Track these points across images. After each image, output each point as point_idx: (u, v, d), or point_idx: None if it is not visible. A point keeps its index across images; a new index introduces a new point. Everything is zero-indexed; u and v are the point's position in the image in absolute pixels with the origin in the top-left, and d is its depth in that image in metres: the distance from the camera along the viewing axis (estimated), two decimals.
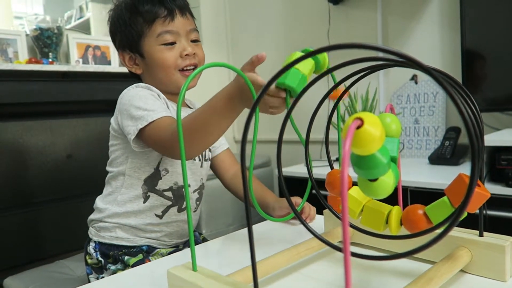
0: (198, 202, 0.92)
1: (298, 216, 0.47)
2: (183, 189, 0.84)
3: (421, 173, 1.35)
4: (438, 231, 0.36)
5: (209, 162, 0.96)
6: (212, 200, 1.72)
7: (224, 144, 1.01)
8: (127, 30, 0.84)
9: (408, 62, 0.29)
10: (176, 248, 0.89)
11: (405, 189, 1.27)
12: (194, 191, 0.90)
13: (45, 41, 1.75)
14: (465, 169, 1.36)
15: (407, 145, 1.67)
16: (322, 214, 0.65)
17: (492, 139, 1.15)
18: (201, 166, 0.91)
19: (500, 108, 1.40)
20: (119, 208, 0.86)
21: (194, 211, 0.92)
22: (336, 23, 1.89)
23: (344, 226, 0.23)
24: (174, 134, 0.67)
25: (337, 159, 1.49)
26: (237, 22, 2.37)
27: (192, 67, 0.86)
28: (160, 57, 0.83)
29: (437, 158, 1.46)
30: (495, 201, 1.13)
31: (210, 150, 0.95)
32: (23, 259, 1.41)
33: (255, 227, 0.75)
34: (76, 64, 1.84)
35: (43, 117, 1.51)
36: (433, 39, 1.63)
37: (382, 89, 1.76)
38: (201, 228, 1.69)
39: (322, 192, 0.49)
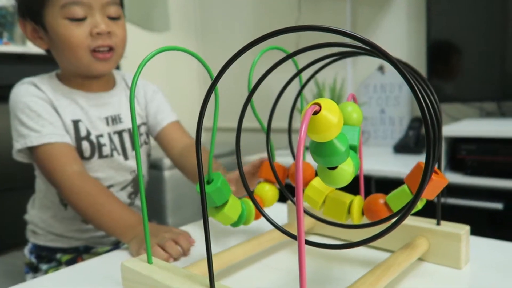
0: (133, 196, 0.82)
1: (259, 207, 0.46)
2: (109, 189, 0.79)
3: (385, 162, 1.37)
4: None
5: (147, 147, 0.85)
6: (179, 188, 1.69)
7: (168, 116, 0.84)
8: None
9: (373, 50, 0.28)
10: (116, 245, 0.82)
11: (369, 178, 1.29)
12: (122, 188, 0.80)
13: None
14: None
15: (373, 135, 1.69)
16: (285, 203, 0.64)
17: (452, 129, 1.18)
18: (127, 159, 0.80)
19: (462, 99, 1.44)
20: (43, 214, 0.79)
21: (130, 205, 0.82)
22: (306, 12, 1.88)
23: (298, 212, 0.21)
24: (69, 186, 0.66)
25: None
26: (206, 9, 2.31)
27: (106, 49, 0.71)
28: (64, 34, 0.67)
29: (402, 147, 1.49)
30: (455, 190, 1.16)
31: (146, 135, 0.85)
32: None
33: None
34: (33, 46, 1.73)
35: None
36: (401, 30, 1.64)
37: (350, 78, 1.78)
38: (166, 218, 1.66)
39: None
